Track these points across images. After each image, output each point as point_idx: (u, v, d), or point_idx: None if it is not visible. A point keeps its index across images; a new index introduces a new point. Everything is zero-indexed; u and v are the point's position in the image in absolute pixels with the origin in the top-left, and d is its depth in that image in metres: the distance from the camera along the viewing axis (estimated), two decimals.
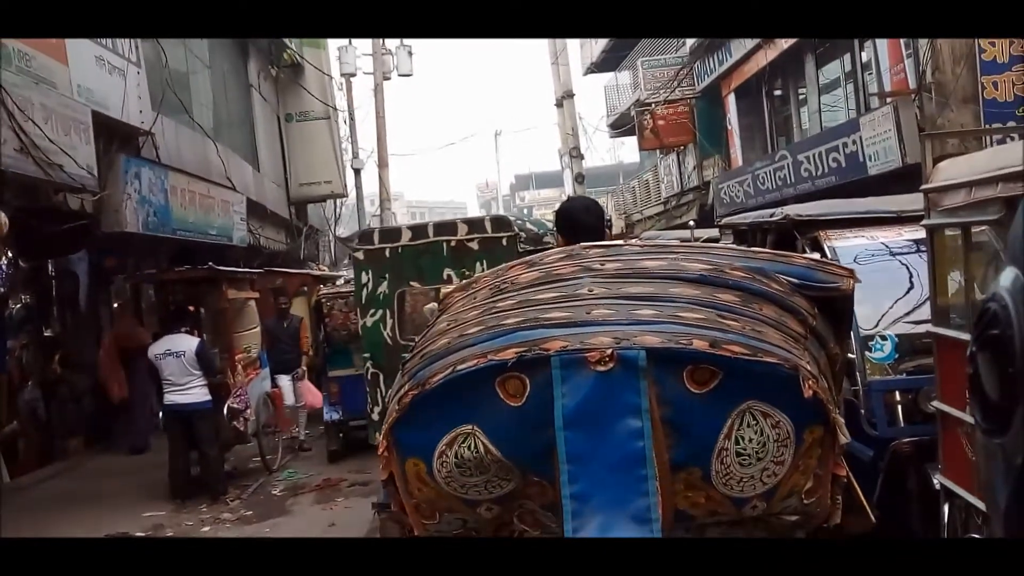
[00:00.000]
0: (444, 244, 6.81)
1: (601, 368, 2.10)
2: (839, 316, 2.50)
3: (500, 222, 7.08)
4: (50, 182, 7.58)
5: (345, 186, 23.04)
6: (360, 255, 7.09)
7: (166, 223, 10.80)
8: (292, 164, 20.80)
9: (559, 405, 2.13)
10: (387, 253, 6.90)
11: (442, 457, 2.24)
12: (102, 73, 9.39)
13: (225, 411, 9.01)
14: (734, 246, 3.31)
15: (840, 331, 2.52)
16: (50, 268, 11.56)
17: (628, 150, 39.92)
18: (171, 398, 8.63)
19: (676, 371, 2.12)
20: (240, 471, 10.00)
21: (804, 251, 5.14)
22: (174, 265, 11.47)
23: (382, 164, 24.37)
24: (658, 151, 22.57)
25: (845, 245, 5.09)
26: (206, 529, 7.78)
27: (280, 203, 19.87)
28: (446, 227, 7.09)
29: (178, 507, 8.49)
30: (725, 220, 7.20)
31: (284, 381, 11.03)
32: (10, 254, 9.04)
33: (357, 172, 25.41)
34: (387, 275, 6.89)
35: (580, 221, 3.23)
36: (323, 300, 10.37)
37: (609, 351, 2.10)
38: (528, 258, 2.61)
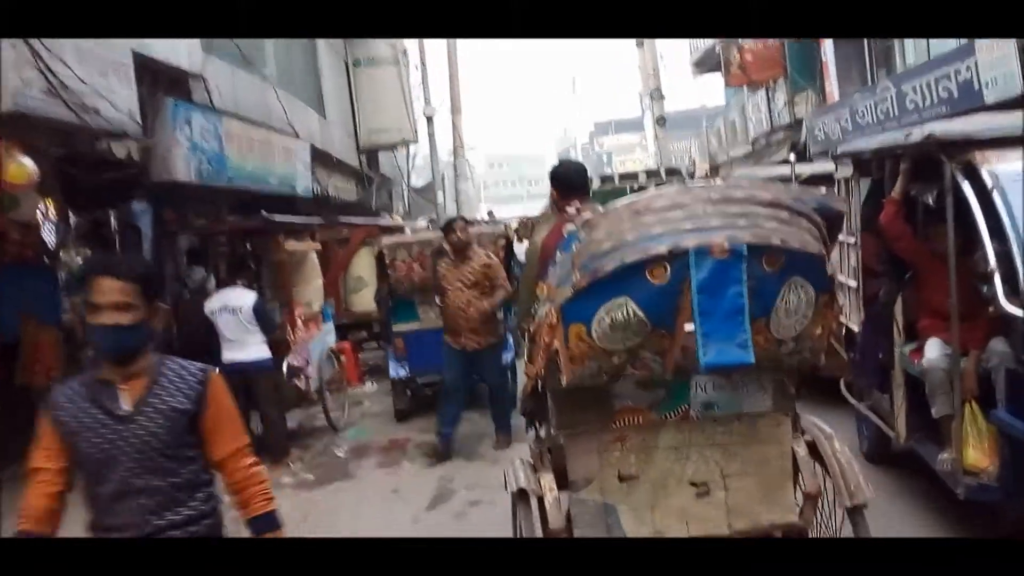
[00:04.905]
0: (628, 187, 10.12)
1: (719, 256, 3.24)
2: (832, 230, 3.69)
3: (672, 171, 11.17)
4: (86, 128, 7.06)
5: (415, 132, 22.45)
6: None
7: (221, 172, 10.26)
8: (360, 111, 20.27)
9: (695, 280, 3.25)
10: None
11: (600, 320, 3.35)
12: None
13: (284, 369, 8.57)
14: (781, 184, 4.40)
15: (832, 239, 3.69)
16: (112, 221, 11.23)
17: (711, 92, 38.47)
18: (229, 355, 8.13)
19: (759, 258, 3.28)
20: (305, 429, 9.62)
21: (953, 178, 4.39)
22: (235, 216, 11.01)
23: (455, 110, 23.75)
24: (745, 88, 21.43)
25: (1012, 169, 4.04)
26: None
27: (349, 151, 19.36)
28: (630, 176, 11.19)
29: None
30: (842, 148, 6.13)
31: None
32: (53, 205, 8.64)
33: (429, 120, 24.77)
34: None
35: (573, 181, 4.62)
36: (384, 251, 9.69)
37: (725, 245, 3.24)
38: (653, 191, 3.59)
